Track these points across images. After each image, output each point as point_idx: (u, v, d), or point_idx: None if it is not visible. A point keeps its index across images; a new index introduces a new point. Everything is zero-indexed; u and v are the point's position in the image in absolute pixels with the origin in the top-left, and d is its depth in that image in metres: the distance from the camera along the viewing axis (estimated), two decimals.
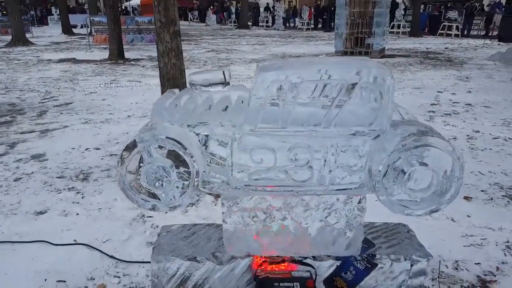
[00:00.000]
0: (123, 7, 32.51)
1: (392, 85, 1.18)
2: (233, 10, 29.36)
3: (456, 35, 16.75)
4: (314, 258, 1.48)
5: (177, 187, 1.21)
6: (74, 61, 10.29)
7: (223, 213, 1.39)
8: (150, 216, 2.57)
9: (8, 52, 12.21)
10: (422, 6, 21.21)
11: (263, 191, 1.30)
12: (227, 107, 1.25)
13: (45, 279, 1.94)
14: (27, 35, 15.17)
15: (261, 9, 27.16)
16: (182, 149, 1.17)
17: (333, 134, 1.20)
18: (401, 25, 18.61)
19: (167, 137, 1.17)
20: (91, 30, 13.15)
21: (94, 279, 1.95)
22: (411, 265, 1.47)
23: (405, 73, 8.23)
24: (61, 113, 5.15)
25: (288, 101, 1.18)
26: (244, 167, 1.25)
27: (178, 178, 1.21)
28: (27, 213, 2.58)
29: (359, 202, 1.37)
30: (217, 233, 1.60)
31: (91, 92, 6.42)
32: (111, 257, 2.11)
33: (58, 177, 3.14)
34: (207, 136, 1.25)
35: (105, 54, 10.81)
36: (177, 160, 1.22)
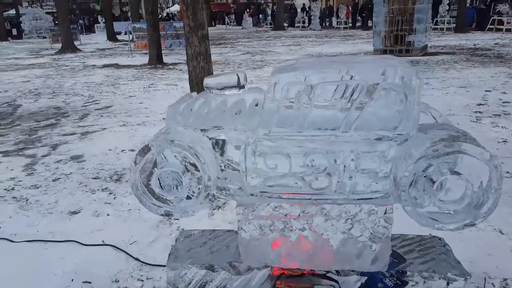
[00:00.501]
0: (165, 14, 33.59)
1: (419, 86, 1.07)
2: (269, 12, 29.37)
3: (508, 30, 15.64)
4: (337, 272, 1.39)
5: (188, 192, 1.18)
6: (117, 66, 10.72)
7: (238, 220, 1.34)
8: (177, 219, 2.57)
9: (58, 59, 12.96)
10: (468, 0, 20.07)
11: (279, 199, 1.23)
12: (240, 110, 1.20)
13: (72, 279, 1.98)
14: (76, 43, 16.04)
15: (298, 10, 26.93)
16: (194, 154, 1.13)
17: (354, 139, 1.11)
18: (446, 21, 17.68)
19: (179, 142, 1.13)
20: (132, 36, 13.64)
21: (118, 281, 1.97)
22: (447, 284, 1.33)
23: (449, 71, 7.78)
24: (101, 116, 5.35)
25: (305, 103, 1.11)
26: (259, 172, 1.19)
27: (190, 184, 1.17)
28: (62, 213, 2.67)
29: (385, 212, 1.26)
30: (236, 240, 1.55)
31: (130, 96, 6.62)
32: (136, 259, 2.13)
33: (93, 178, 3.24)
34: (220, 140, 1.20)
35: (145, 59, 11.16)
36: (193, 165, 1.18)
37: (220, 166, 1.24)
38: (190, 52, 2.85)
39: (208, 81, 1.25)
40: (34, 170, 3.43)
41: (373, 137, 1.11)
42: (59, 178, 3.24)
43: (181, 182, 1.15)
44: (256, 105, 1.19)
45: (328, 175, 1.15)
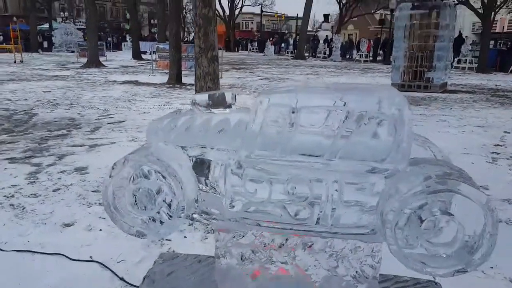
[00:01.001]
0: (191, 38, 34.62)
1: (409, 117, 1.00)
2: (291, 41, 29.88)
3: None
4: None
5: (162, 213, 1.12)
6: (136, 83, 10.96)
7: (216, 247, 1.26)
8: (169, 240, 2.50)
9: (81, 73, 13.39)
10: (492, 42, 19.94)
11: (258, 226, 1.15)
12: (224, 129, 1.15)
13: None
14: (102, 59, 16.61)
15: (321, 41, 27.32)
16: (170, 172, 1.08)
17: (338, 168, 1.04)
18: (468, 61, 17.57)
19: (155, 158, 1.08)
20: (155, 56, 14.02)
21: None
22: None
23: (467, 109, 7.63)
24: (112, 130, 5.40)
25: (288, 127, 1.05)
26: (238, 196, 1.12)
27: (165, 204, 1.11)
28: (55, 224, 2.64)
29: (373, 250, 1.16)
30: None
31: (144, 112, 6.70)
32: (121, 279, 2.06)
33: (93, 191, 3.22)
34: (200, 159, 1.15)
35: (165, 78, 11.40)
36: (169, 184, 1.13)
37: (199, 187, 1.18)
38: (198, 72, 2.86)
39: (196, 97, 1.22)
40: (37, 179, 3.44)
41: (358, 168, 1.04)
42: (59, 189, 3.23)
43: (154, 201, 1.09)
44: (239, 126, 1.14)
45: (309, 204, 1.08)
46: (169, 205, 1.12)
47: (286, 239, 1.21)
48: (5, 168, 3.67)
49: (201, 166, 1.16)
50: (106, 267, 2.15)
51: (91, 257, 2.25)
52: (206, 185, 1.18)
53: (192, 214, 1.23)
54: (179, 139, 1.17)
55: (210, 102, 1.21)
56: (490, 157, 4.49)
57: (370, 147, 1.02)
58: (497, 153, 4.65)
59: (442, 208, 0.95)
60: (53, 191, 3.19)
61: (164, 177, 1.09)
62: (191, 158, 1.16)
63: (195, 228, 2.65)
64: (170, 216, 1.11)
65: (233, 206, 1.15)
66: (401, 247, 0.98)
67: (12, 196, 3.06)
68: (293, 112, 1.05)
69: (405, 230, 0.97)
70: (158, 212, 1.13)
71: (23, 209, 2.84)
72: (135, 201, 1.12)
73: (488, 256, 0.94)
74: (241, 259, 1.26)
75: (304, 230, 1.13)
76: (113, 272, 2.11)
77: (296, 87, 1.12)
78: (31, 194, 3.10)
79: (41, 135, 5.00)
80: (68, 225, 2.64)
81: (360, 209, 1.07)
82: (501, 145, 5.03)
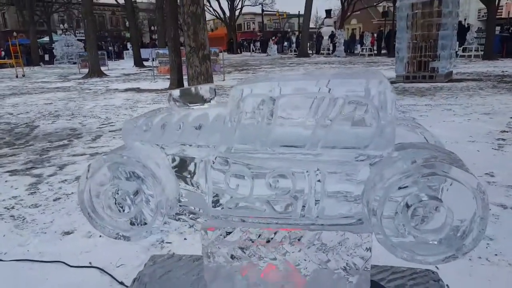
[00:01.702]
0: None
1: (392, 100, 0.96)
2: (294, 39, 29.76)
3: None
4: None
5: (143, 214, 1.08)
6: (138, 90, 10.99)
7: (203, 246, 1.22)
8: (169, 243, 2.48)
9: (83, 83, 13.48)
10: (498, 28, 19.61)
11: (242, 222, 1.12)
12: (202, 125, 1.11)
13: None
14: (103, 68, 16.70)
15: (325, 37, 27.08)
16: (148, 172, 1.05)
17: (321, 158, 1.00)
18: (473, 48, 17.31)
19: (131, 157, 1.05)
20: (156, 61, 14.06)
21: None
22: None
23: (473, 97, 7.49)
24: (113, 137, 5.41)
25: (268, 118, 1.01)
26: (220, 193, 1.09)
27: (144, 205, 1.08)
28: (55, 233, 2.63)
29: (362, 241, 1.11)
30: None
31: None
32: (121, 283, 2.04)
33: None
34: (179, 158, 1.12)
35: (167, 84, 11.41)
36: (148, 184, 1.09)
37: (182, 186, 1.15)
38: (190, 72, 2.84)
39: (173, 92, 1.18)
40: (38, 189, 3.44)
41: (341, 156, 0.99)
42: (60, 198, 3.23)
43: (131, 202, 1.06)
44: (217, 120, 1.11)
45: (293, 197, 1.04)
46: (151, 206, 1.09)
47: (274, 234, 1.17)
48: (6, 181, 3.68)
49: (180, 164, 1.13)
50: (106, 272, 2.14)
51: (90, 263, 2.24)
52: (188, 183, 1.15)
53: (176, 214, 1.20)
54: (156, 138, 1.13)
55: (187, 97, 1.18)
56: (496, 144, 4.39)
57: (352, 134, 0.98)
58: (503, 139, 4.55)
59: (430, 193, 0.90)
60: (54, 200, 3.19)
61: (141, 177, 1.06)
62: (169, 157, 1.13)
63: (196, 230, 2.62)
64: (149, 218, 1.08)
65: (216, 203, 1.11)
66: (388, 236, 0.93)
67: (13, 207, 3.06)
68: (272, 102, 1.01)
69: (391, 218, 0.92)
70: (139, 214, 1.10)
71: (23, 219, 2.83)
72: (114, 203, 1.09)
73: (479, 240, 0.89)
74: (229, 257, 1.22)
75: (290, 224, 1.09)
76: (112, 276, 2.09)
77: (278, 76, 1.08)
78: (32, 205, 3.10)
79: (42, 146, 5.02)
80: (68, 233, 2.63)
81: (345, 199, 1.03)
82: (507, 131, 4.92)
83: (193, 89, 1.17)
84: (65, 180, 3.67)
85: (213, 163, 1.07)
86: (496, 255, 2.11)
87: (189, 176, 1.12)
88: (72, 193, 3.34)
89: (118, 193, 1.07)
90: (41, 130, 6.06)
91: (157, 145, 1.14)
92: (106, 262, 2.23)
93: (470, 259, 2.08)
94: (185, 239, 2.54)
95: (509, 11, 27.06)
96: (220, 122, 1.09)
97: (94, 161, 1.08)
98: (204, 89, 1.16)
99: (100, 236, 2.57)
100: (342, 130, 0.99)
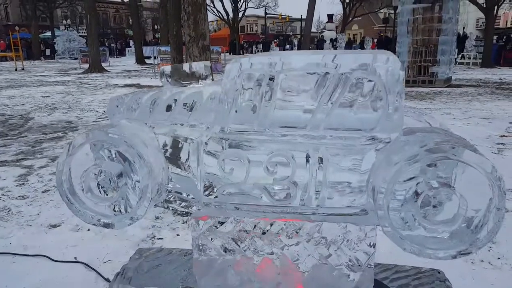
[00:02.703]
0: None
1: (401, 81, 0.88)
2: (296, 42, 29.76)
3: None
4: None
5: (127, 199, 0.99)
6: (138, 86, 10.89)
7: (193, 237, 1.13)
8: (161, 238, 2.38)
9: (82, 78, 13.34)
10: (496, 37, 19.61)
11: (236, 211, 1.03)
12: (194, 104, 1.02)
13: None
14: (104, 64, 16.55)
15: (327, 41, 27.13)
16: (134, 152, 0.96)
17: (323, 140, 0.92)
18: (472, 56, 17.33)
19: (116, 135, 0.96)
20: (159, 58, 13.96)
21: None
22: None
23: (472, 102, 7.46)
24: None
25: (267, 96, 0.93)
26: (213, 178, 1.00)
27: (130, 189, 0.99)
28: (41, 226, 2.53)
29: (366, 234, 1.03)
30: None
31: None
32: (106, 280, 1.94)
33: None
34: (169, 138, 1.03)
35: None
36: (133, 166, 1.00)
37: (171, 170, 1.06)
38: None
39: (166, 68, 1.10)
40: (27, 181, 3.34)
41: (346, 139, 0.91)
42: (49, 190, 3.12)
43: (116, 185, 0.96)
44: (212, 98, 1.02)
45: (292, 184, 0.95)
46: (136, 190, 1.00)
47: (270, 225, 1.08)
48: None
49: (171, 146, 1.04)
50: (91, 267, 2.03)
51: (75, 258, 2.13)
52: (179, 166, 1.06)
53: (165, 200, 1.11)
54: (145, 116, 1.04)
55: (181, 74, 1.09)
56: (495, 148, 4.35)
57: (358, 115, 0.90)
58: (503, 144, 4.50)
59: (441, 180, 0.82)
60: (43, 192, 3.09)
61: (127, 158, 0.97)
62: (158, 137, 1.04)
63: (189, 226, 2.53)
64: (134, 204, 0.99)
65: (208, 189, 1.02)
66: (396, 228, 0.85)
67: None
68: (271, 79, 0.92)
69: (400, 208, 0.84)
70: (123, 198, 1.00)
71: (8, 211, 2.73)
72: (97, 186, 1.00)
73: (495, 234, 0.81)
74: (222, 250, 1.13)
75: (288, 213, 1.00)
76: (97, 272, 1.99)
77: (278, 52, 0.99)
78: (19, 196, 3.00)
79: (35, 138, 4.91)
80: (54, 226, 2.53)
81: (349, 187, 0.94)
82: (507, 136, 4.88)
83: (187, 66, 1.08)
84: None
85: (206, 144, 0.99)
86: (498, 258, 2.04)
87: (180, 158, 1.03)
88: None
89: (100, 175, 0.98)
90: (36, 122, 5.94)
91: (146, 123, 1.05)
92: (93, 257, 2.13)
93: (472, 263, 2.00)
94: (177, 234, 2.44)
95: (506, 21, 27.18)
96: (215, 101, 1.00)
97: (76, 138, 0.98)
98: (198, 66, 1.07)
99: (88, 229, 2.47)
100: (347, 111, 0.90)
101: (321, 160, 0.92)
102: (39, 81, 12.44)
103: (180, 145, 1.03)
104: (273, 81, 0.92)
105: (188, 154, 1.02)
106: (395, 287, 1.24)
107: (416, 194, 0.83)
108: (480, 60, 16.93)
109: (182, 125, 1.02)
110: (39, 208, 2.78)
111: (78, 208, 1.01)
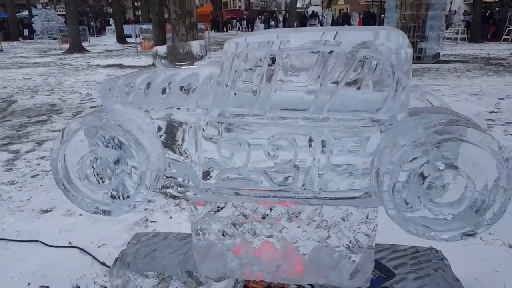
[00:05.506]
0: None
1: (409, 59, 0.85)
2: (281, 19, 29.29)
3: None
4: (312, 286, 1.16)
5: (125, 186, 0.96)
6: (121, 66, 10.63)
7: (192, 222, 1.12)
8: (154, 222, 2.37)
9: (63, 59, 12.95)
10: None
11: (236, 196, 1.01)
12: (190, 86, 0.98)
13: (29, 283, 1.79)
14: (85, 44, 16.03)
15: (312, 17, 26.68)
16: (131, 138, 0.92)
17: (326, 123, 0.89)
18: (460, 31, 17.32)
19: (110, 120, 0.92)
20: (140, 37, 13.61)
21: (79, 287, 1.77)
22: None
23: (461, 78, 7.50)
24: None
25: (267, 77, 0.89)
26: (211, 163, 0.97)
27: (124, 175, 0.96)
28: (33, 211, 2.49)
29: (367, 216, 1.03)
30: None
31: None
32: (102, 264, 1.93)
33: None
34: (166, 122, 0.99)
35: (151, 61, 11.04)
36: (130, 152, 0.96)
37: (169, 155, 1.02)
38: (176, 42, 2.66)
39: (159, 49, 1.05)
40: (14, 166, 3.26)
41: (350, 121, 0.89)
42: (38, 175, 3.07)
43: (112, 172, 0.93)
44: (210, 80, 0.98)
45: (294, 167, 0.93)
46: (134, 176, 0.97)
47: (270, 209, 1.07)
48: None
49: (167, 130, 1.01)
50: (86, 252, 2.02)
51: (70, 242, 2.12)
52: (176, 152, 1.03)
53: (162, 186, 1.08)
54: (139, 100, 1.00)
55: (175, 55, 1.04)
56: (485, 124, 4.40)
57: (363, 95, 0.87)
58: (492, 120, 4.56)
59: (447, 162, 0.81)
60: (31, 177, 3.03)
61: (123, 144, 0.94)
62: (154, 121, 1.00)
63: (182, 208, 2.52)
64: (135, 189, 0.96)
65: (207, 175, 1.00)
66: (401, 210, 0.84)
67: None
68: (272, 58, 0.88)
69: (405, 190, 0.83)
70: (121, 185, 0.97)
71: None
72: (93, 173, 0.97)
73: (501, 215, 0.81)
74: (221, 234, 1.12)
75: (289, 197, 0.98)
76: (93, 256, 1.98)
77: (277, 30, 0.95)
78: (8, 182, 2.94)
79: (20, 121, 4.78)
80: (46, 211, 2.49)
81: (352, 170, 0.92)
82: (496, 112, 4.93)
83: (181, 45, 1.03)
84: (44, 156, 3.49)
85: (204, 129, 0.95)
86: (490, 234, 2.08)
87: (177, 143, 1.00)
88: (51, 170, 3.17)
89: (96, 162, 0.94)
90: (19, 105, 5.78)
91: (141, 108, 1.01)
92: (87, 242, 2.12)
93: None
94: (170, 217, 2.43)
95: None
96: (213, 83, 0.96)
97: (69, 125, 0.94)
98: (193, 46, 1.02)
99: (81, 214, 2.44)
100: (351, 91, 0.87)
101: (324, 143, 0.90)
102: (19, 62, 12.03)
103: (177, 130, 1.00)
104: (274, 61, 0.89)
105: (186, 139, 0.99)
106: (393, 266, 1.25)
107: (422, 176, 0.82)
108: (469, 35, 16.95)
109: (178, 109, 0.98)
110: (29, 193, 2.73)
111: (75, 196, 0.98)
